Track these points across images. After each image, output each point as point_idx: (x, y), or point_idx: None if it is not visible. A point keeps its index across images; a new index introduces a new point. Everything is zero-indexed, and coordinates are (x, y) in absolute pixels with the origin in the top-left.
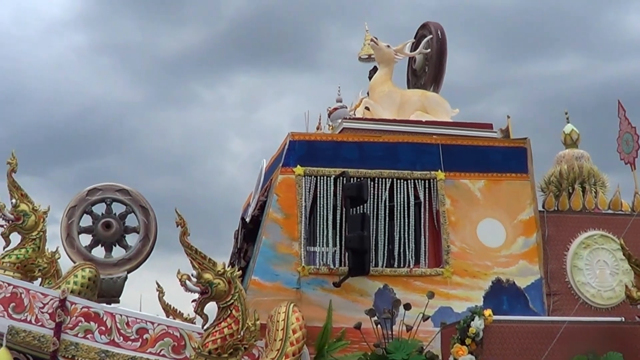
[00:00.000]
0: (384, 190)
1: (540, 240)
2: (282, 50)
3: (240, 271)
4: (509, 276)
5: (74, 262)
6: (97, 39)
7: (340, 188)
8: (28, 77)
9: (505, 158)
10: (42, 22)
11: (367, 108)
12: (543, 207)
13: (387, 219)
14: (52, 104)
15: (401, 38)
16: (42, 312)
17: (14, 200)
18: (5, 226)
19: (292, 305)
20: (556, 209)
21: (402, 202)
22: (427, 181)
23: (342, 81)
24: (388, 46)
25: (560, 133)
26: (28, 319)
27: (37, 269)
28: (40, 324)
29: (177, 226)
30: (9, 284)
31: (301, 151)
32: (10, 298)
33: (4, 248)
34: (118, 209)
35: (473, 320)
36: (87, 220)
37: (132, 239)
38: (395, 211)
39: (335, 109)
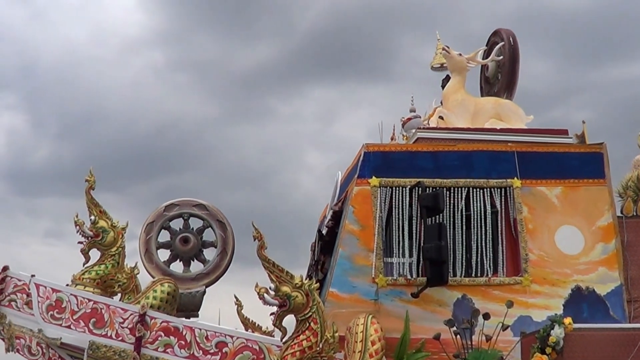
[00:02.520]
0: (460, 199)
1: (619, 246)
2: (356, 61)
3: (318, 283)
4: (589, 283)
5: (153, 277)
6: (173, 57)
7: (416, 198)
8: (106, 96)
9: (582, 164)
10: (120, 42)
11: (440, 117)
12: (621, 212)
13: (464, 228)
14: (131, 121)
15: (474, 46)
16: (122, 327)
17: (92, 217)
18: (84, 243)
19: (370, 316)
20: (635, 214)
21: (478, 211)
22: (503, 189)
23: (415, 91)
24: (460, 54)
25: (637, 137)
26: (108, 334)
27: (116, 285)
28: (120, 339)
29: (255, 240)
30: (89, 300)
31: (376, 162)
32: (90, 314)
33: (84, 264)
34: (195, 223)
35: (553, 328)
36: (165, 236)
37: (209, 254)
38: (472, 220)
39: (409, 119)
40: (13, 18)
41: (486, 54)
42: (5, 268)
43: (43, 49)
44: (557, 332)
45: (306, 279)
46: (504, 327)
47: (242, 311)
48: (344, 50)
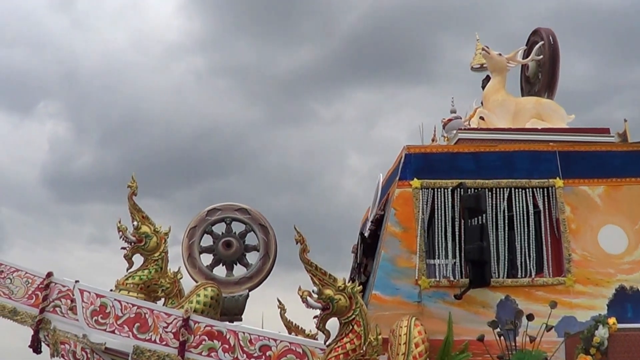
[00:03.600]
0: (502, 200)
1: None
2: (397, 64)
3: (361, 286)
4: (633, 283)
5: (196, 282)
6: (214, 62)
7: (458, 199)
8: (149, 102)
9: (624, 162)
10: (161, 48)
11: (481, 118)
12: None
13: (506, 228)
14: (173, 127)
15: (513, 45)
16: (166, 332)
17: (135, 223)
18: (127, 248)
19: (414, 319)
20: None
21: (521, 212)
22: (545, 189)
23: (456, 92)
24: (500, 54)
25: None
26: (152, 339)
27: (160, 289)
28: (164, 343)
29: (297, 243)
30: (133, 305)
31: (417, 164)
32: (134, 318)
33: (127, 270)
34: (238, 228)
35: (597, 329)
36: (207, 240)
37: (252, 257)
38: (514, 221)
39: (450, 120)
40: (54, 26)
41: (526, 54)
42: (50, 274)
43: (84, 57)
44: (601, 333)
45: (349, 281)
46: (548, 328)
47: (286, 314)
48: (384, 52)
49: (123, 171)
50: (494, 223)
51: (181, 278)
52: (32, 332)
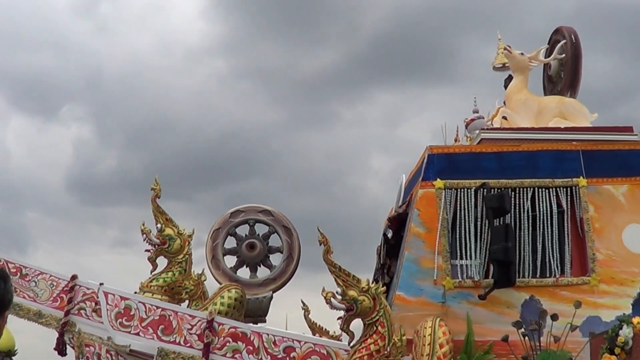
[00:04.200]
0: (525, 199)
1: None
2: (420, 64)
3: (385, 287)
4: None
5: (220, 284)
6: (237, 64)
7: (482, 199)
8: (172, 105)
9: None
10: (184, 51)
11: (504, 117)
12: None
13: (530, 229)
14: (196, 129)
15: (535, 44)
16: (191, 334)
17: (159, 225)
18: (151, 251)
19: (438, 319)
20: None
21: (544, 211)
22: (569, 189)
23: (478, 92)
24: (522, 54)
25: None
26: (177, 341)
27: (184, 292)
28: (189, 345)
29: (320, 244)
30: (158, 307)
31: (440, 164)
32: (159, 321)
33: (152, 272)
34: (261, 229)
35: (621, 328)
36: (231, 242)
37: (276, 259)
38: (538, 220)
39: (472, 120)
40: (78, 31)
41: (548, 53)
42: (74, 277)
43: (108, 60)
44: (626, 332)
45: (373, 282)
46: (573, 328)
47: (310, 316)
48: (407, 53)
49: (147, 174)
50: (518, 223)
51: (205, 280)
52: (57, 335)
